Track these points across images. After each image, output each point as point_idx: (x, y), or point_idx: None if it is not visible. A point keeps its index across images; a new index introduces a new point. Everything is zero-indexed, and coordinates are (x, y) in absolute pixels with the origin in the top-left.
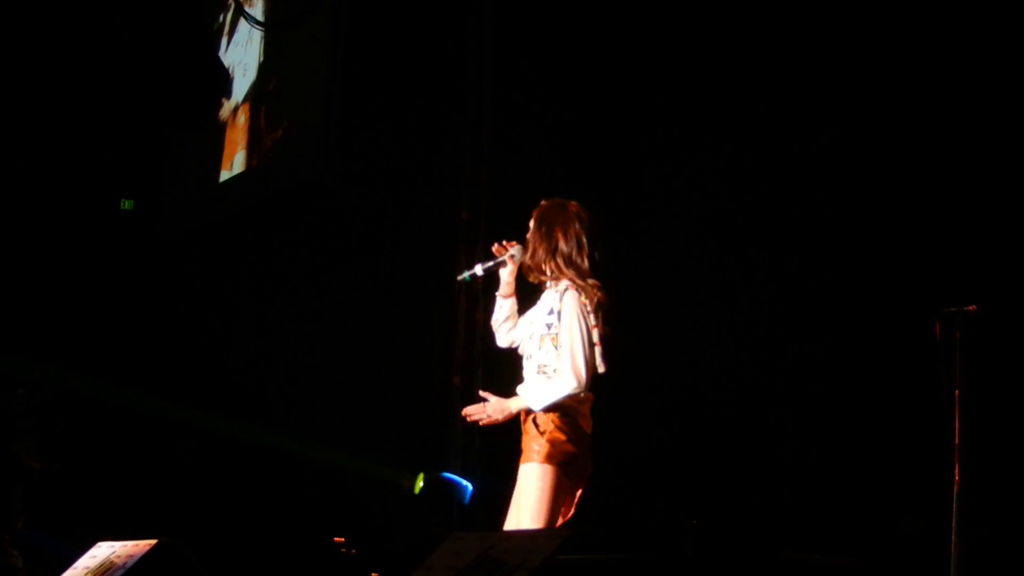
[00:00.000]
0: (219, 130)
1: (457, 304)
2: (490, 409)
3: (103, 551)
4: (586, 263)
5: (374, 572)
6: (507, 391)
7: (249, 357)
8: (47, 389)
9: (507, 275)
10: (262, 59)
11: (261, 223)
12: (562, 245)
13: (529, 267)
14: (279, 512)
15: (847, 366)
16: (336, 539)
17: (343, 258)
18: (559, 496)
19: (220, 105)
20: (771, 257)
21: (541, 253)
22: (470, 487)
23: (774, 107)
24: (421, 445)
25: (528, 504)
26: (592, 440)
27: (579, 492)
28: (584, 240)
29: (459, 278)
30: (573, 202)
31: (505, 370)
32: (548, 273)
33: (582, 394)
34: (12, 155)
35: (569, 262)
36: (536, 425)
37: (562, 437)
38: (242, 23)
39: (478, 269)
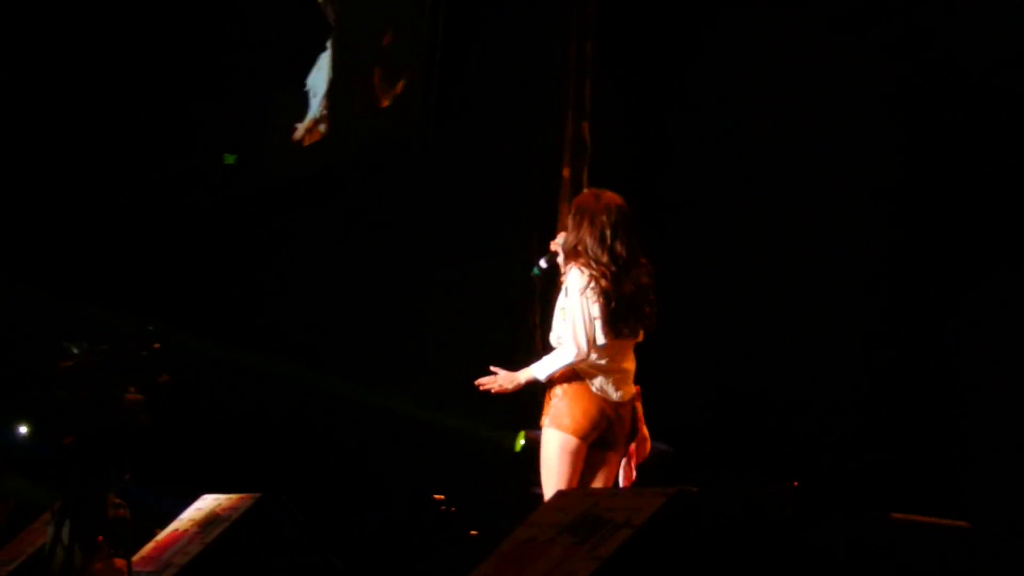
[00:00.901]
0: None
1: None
2: (500, 379)
3: (208, 503)
4: (605, 254)
5: (473, 530)
6: None
7: (352, 314)
8: (153, 343)
9: (561, 265)
10: (358, 15)
11: (358, 181)
12: (584, 235)
13: (564, 253)
14: (380, 469)
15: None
16: (436, 497)
17: (442, 218)
18: (570, 459)
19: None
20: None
21: (571, 239)
22: None
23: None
24: (522, 403)
25: (543, 465)
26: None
27: (623, 458)
28: (608, 231)
29: (532, 275)
30: (609, 192)
31: None
32: (571, 258)
33: (588, 361)
34: (117, 108)
35: (586, 249)
36: (551, 393)
37: (569, 404)
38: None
39: (542, 262)
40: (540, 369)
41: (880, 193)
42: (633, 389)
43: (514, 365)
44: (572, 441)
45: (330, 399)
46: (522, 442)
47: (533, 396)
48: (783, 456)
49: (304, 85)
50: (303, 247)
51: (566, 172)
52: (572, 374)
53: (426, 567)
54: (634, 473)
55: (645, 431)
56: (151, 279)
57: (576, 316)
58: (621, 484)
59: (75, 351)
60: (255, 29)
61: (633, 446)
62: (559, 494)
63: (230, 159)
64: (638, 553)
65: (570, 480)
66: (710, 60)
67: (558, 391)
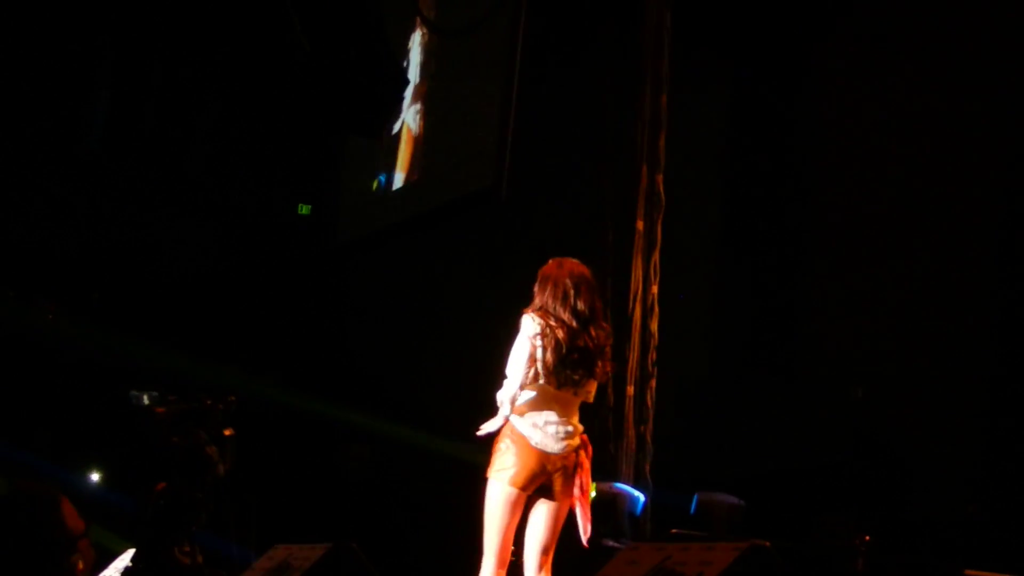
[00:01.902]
0: (392, 139)
1: (632, 316)
2: (486, 426)
3: (280, 553)
4: (567, 311)
5: None
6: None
7: (425, 364)
8: (234, 394)
9: None
10: (432, 69)
11: (435, 231)
12: (548, 296)
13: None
14: (447, 518)
15: None
16: None
17: (515, 268)
18: (508, 507)
19: (399, 112)
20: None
21: (536, 302)
22: (642, 498)
23: None
24: (593, 455)
25: (485, 512)
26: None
27: (576, 507)
28: (571, 292)
29: None
30: (572, 260)
31: (681, 384)
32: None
33: (531, 417)
34: (195, 156)
35: (549, 308)
36: (495, 446)
37: (510, 457)
38: (416, 32)
39: None
40: (503, 396)
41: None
42: (576, 442)
43: (588, 417)
44: (511, 491)
45: (403, 448)
46: (593, 494)
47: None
48: (856, 510)
49: (382, 136)
50: (378, 298)
51: (640, 224)
52: (514, 429)
53: None
54: (586, 520)
55: (587, 481)
56: (225, 328)
57: (517, 354)
58: (581, 528)
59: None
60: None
61: (581, 498)
62: (630, 547)
63: (305, 210)
64: None
65: (507, 526)
66: (784, 114)
67: (501, 445)
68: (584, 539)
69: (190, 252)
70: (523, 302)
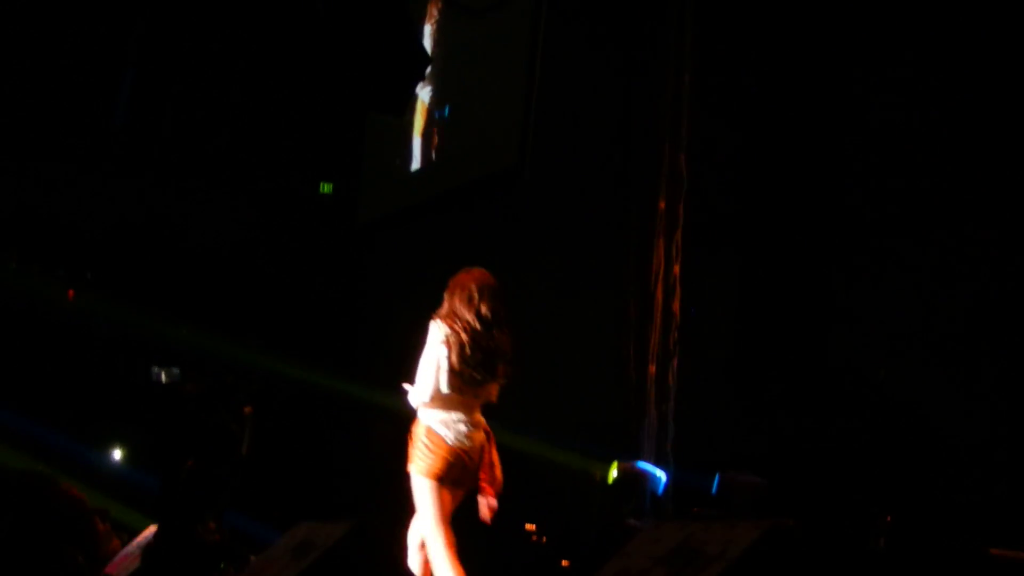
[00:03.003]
0: (419, 114)
1: (654, 294)
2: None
3: (303, 531)
4: (471, 314)
5: (565, 560)
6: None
7: None
8: (258, 375)
9: None
10: (453, 47)
11: (457, 211)
12: (455, 301)
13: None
14: (471, 498)
15: None
16: (528, 526)
17: (538, 247)
18: (434, 496)
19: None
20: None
21: (444, 307)
22: (664, 477)
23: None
24: (615, 435)
25: (416, 503)
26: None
27: (481, 496)
28: (475, 296)
29: None
30: (480, 269)
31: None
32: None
33: (442, 416)
34: (219, 134)
35: (455, 312)
36: (412, 443)
37: (428, 452)
38: (438, 10)
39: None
40: (413, 398)
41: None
42: (482, 437)
43: (609, 396)
44: (433, 483)
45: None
46: (615, 473)
47: (623, 428)
48: (878, 488)
49: (403, 114)
50: (399, 276)
51: (662, 204)
52: (430, 429)
53: None
54: (494, 503)
55: (497, 471)
56: (247, 306)
57: (426, 363)
58: (483, 515)
59: (164, 377)
60: (353, 58)
61: (487, 486)
62: (654, 525)
63: (327, 188)
64: None
65: (441, 512)
66: (807, 93)
67: (419, 444)
68: (487, 519)
69: (213, 230)
70: (545, 282)
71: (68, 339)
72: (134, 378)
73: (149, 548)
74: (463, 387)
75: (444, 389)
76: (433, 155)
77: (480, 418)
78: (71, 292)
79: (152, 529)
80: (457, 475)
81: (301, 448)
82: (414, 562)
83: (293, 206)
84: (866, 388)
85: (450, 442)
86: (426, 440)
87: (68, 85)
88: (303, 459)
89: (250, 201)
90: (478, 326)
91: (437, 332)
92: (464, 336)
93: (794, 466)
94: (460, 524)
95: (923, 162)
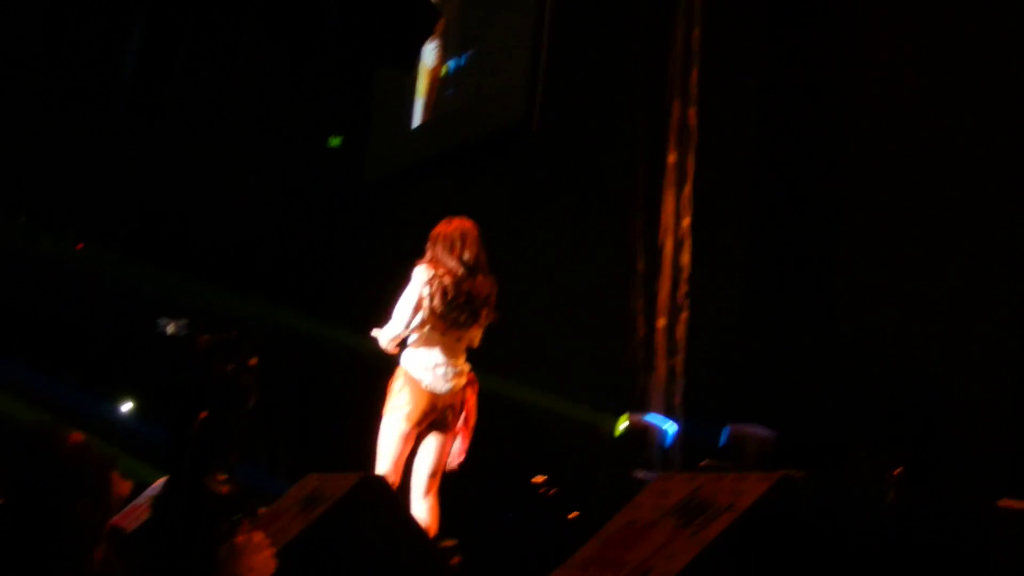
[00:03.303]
0: (423, 72)
1: (663, 248)
2: (380, 340)
3: (312, 482)
4: (453, 259)
5: (573, 512)
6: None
7: None
8: (264, 326)
9: None
10: (463, 2)
11: (465, 166)
12: (438, 249)
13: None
14: (480, 451)
15: None
16: (536, 479)
17: (547, 201)
18: (401, 441)
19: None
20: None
21: (427, 255)
22: (673, 429)
23: None
24: (624, 388)
25: (379, 444)
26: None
27: (454, 439)
28: (458, 243)
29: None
30: (459, 218)
31: (713, 316)
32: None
33: (405, 338)
34: (224, 93)
35: (437, 258)
36: (390, 386)
37: (399, 392)
38: None
39: None
40: (382, 335)
41: None
42: (463, 381)
43: (617, 350)
44: (405, 427)
45: None
46: (623, 425)
47: (635, 381)
48: (888, 441)
49: (412, 70)
50: (407, 231)
51: (672, 158)
52: (407, 373)
53: (527, 549)
54: (463, 452)
55: (472, 416)
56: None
57: (404, 300)
58: (454, 464)
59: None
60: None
61: (463, 429)
62: (663, 476)
63: (335, 141)
64: (741, 537)
65: (399, 457)
66: (816, 44)
67: (395, 385)
68: (456, 464)
69: (220, 185)
70: (553, 235)
71: (76, 292)
72: (143, 330)
73: (158, 499)
74: (446, 330)
75: (424, 332)
76: (441, 110)
77: (463, 364)
78: (80, 245)
79: (161, 481)
80: (430, 419)
81: (309, 401)
82: (418, 510)
83: (301, 161)
84: (876, 340)
85: (424, 385)
86: (401, 380)
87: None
88: (311, 411)
89: (257, 155)
90: (460, 271)
91: (420, 274)
92: (447, 280)
93: (803, 419)
94: (469, 476)
95: (938, 115)
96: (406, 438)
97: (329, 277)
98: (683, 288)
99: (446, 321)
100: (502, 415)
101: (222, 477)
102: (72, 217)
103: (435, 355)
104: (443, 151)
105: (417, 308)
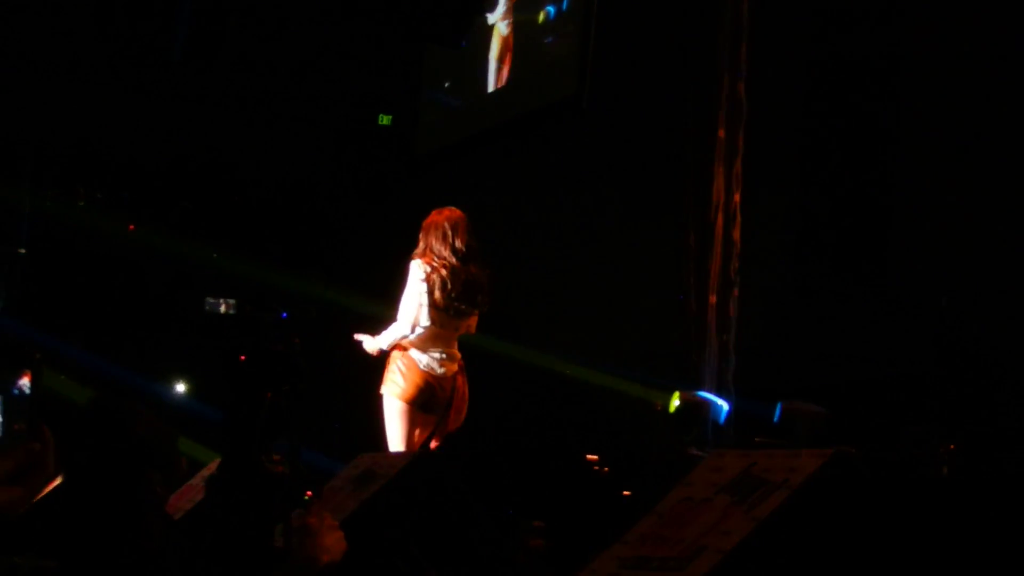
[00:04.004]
0: (475, 47)
1: (715, 223)
2: (366, 346)
3: (365, 462)
4: (447, 249)
5: (626, 491)
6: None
7: (503, 274)
8: (312, 308)
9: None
10: None
11: (516, 141)
12: (431, 239)
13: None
14: (533, 430)
15: None
16: (589, 457)
17: (598, 177)
18: (402, 419)
19: (477, 21)
20: None
21: (420, 246)
22: (726, 406)
23: None
24: (677, 365)
25: (385, 423)
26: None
27: (445, 418)
28: (449, 232)
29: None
30: (449, 208)
31: (765, 292)
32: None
33: (418, 342)
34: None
35: (431, 249)
36: (388, 367)
37: (402, 376)
38: None
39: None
40: (382, 340)
41: None
42: (455, 367)
43: (670, 327)
44: (403, 405)
45: (485, 359)
46: (676, 403)
47: (685, 358)
48: (940, 417)
49: (460, 46)
50: (461, 208)
51: (721, 133)
52: (405, 353)
53: (580, 528)
54: (440, 436)
55: (462, 403)
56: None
57: (404, 300)
58: (432, 443)
59: (223, 308)
60: None
61: (452, 413)
62: (716, 453)
63: (385, 120)
64: (795, 513)
65: (407, 434)
66: (865, 15)
67: (393, 366)
68: (432, 445)
69: (271, 162)
70: (604, 212)
71: (131, 273)
72: (196, 310)
73: (212, 479)
74: (445, 320)
75: (425, 322)
76: (492, 85)
77: (456, 351)
78: (131, 226)
79: (216, 462)
80: (426, 400)
81: (359, 381)
82: None
83: (352, 138)
84: (929, 314)
85: (422, 367)
86: (399, 364)
87: (126, 18)
88: (362, 391)
89: (308, 134)
90: (455, 260)
91: (417, 271)
92: (444, 271)
93: (856, 395)
94: (524, 455)
95: (988, 86)
96: (407, 415)
97: (379, 255)
98: (734, 264)
99: (447, 312)
100: (554, 392)
101: (276, 457)
102: (123, 192)
103: (433, 342)
104: (494, 127)
105: (419, 304)
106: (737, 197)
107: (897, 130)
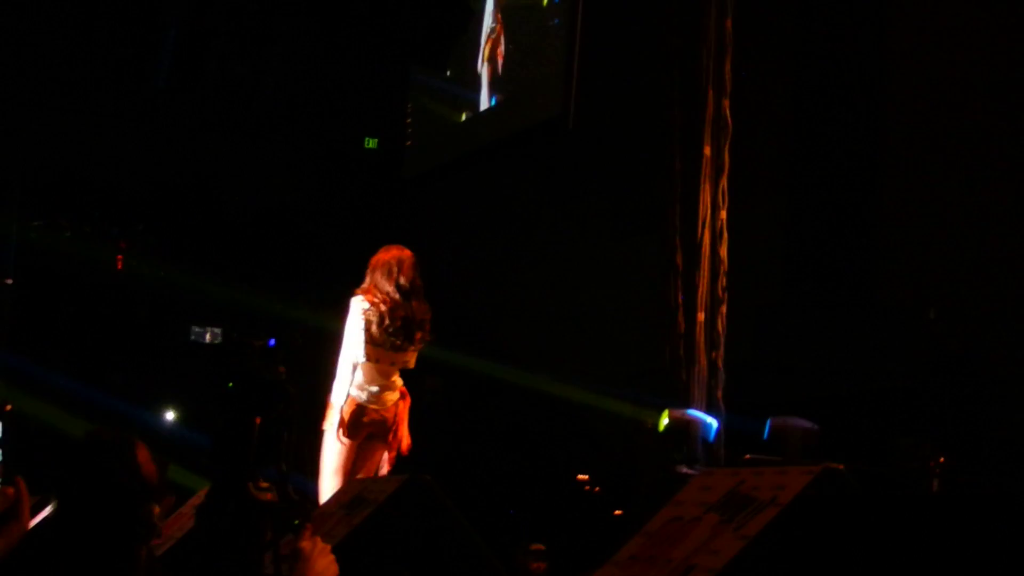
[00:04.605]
0: (461, 69)
1: (701, 240)
2: (330, 427)
3: (355, 487)
4: (390, 285)
5: (618, 510)
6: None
7: (491, 295)
8: (298, 334)
9: None
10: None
11: (502, 162)
12: (376, 275)
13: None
14: (524, 450)
15: None
16: (580, 477)
17: (585, 196)
18: (344, 453)
19: (460, 43)
20: None
21: (366, 282)
22: (715, 424)
23: None
24: (665, 382)
25: (322, 457)
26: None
27: (386, 451)
28: (394, 269)
29: None
30: (397, 247)
31: (753, 309)
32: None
33: (359, 380)
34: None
35: (376, 285)
36: (328, 402)
37: (332, 406)
38: None
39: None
40: (336, 401)
41: None
42: (395, 396)
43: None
44: (344, 440)
45: (475, 379)
46: (666, 422)
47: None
48: (932, 432)
49: (446, 67)
50: (447, 229)
51: (707, 150)
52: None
53: (572, 547)
54: (390, 462)
55: (404, 432)
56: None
57: (349, 338)
58: (383, 471)
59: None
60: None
61: (393, 442)
62: (705, 472)
63: (371, 143)
64: (784, 531)
65: (342, 468)
66: (848, 32)
67: (333, 401)
68: (384, 471)
69: (258, 187)
70: (591, 230)
71: (118, 303)
72: (184, 338)
73: (202, 507)
74: (382, 355)
75: (361, 358)
76: (479, 106)
77: (397, 380)
78: (120, 257)
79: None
80: (367, 431)
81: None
82: None
83: (338, 162)
84: (918, 329)
85: (361, 401)
86: (339, 398)
87: (110, 47)
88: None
89: (294, 158)
90: (397, 296)
91: (356, 306)
92: (383, 307)
93: (847, 411)
94: (513, 476)
95: (971, 101)
96: (347, 453)
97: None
98: (722, 281)
99: (384, 346)
100: (544, 413)
101: (265, 484)
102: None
103: (372, 377)
104: (481, 147)
105: (362, 337)
106: (724, 214)
107: (882, 145)
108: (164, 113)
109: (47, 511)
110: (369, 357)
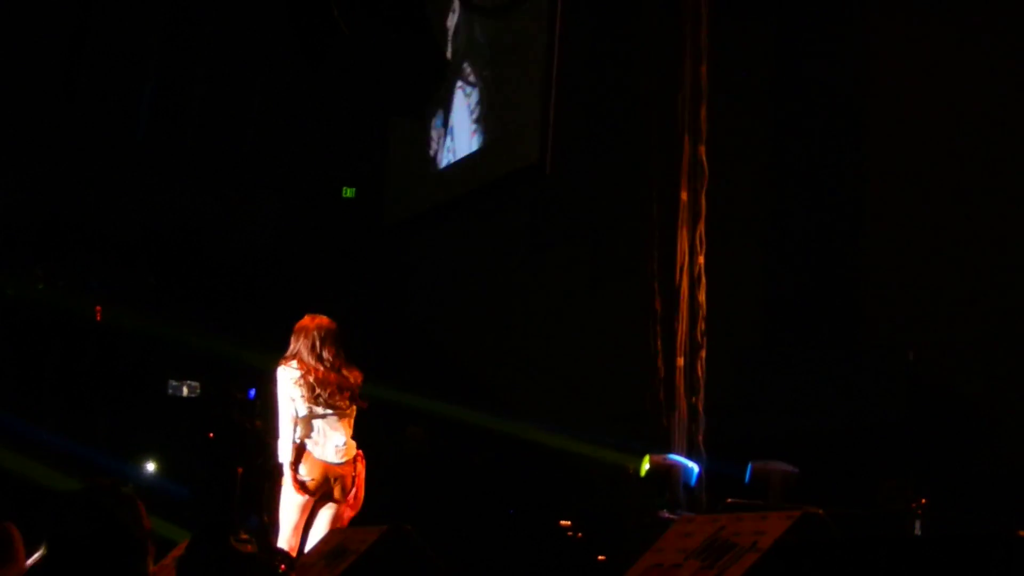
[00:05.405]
0: (437, 118)
1: (679, 286)
2: (287, 482)
3: (335, 537)
4: (313, 357)
5: (601, 555)
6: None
7: (471, 341)
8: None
9: None
10: (472, 47)
11: (480, 209)
12: (300, 346)
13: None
14: (505, 496)
15: None
16: (562, 523)
17: (563, 242)
18: (300, 509)
19: (439, 92)
20: None
21: (290, 351)
22: (696, 469)
23: None
24: (646, 428)
25: (280, 513)
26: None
27: (334, 505)
28: (318, 342)
29: None
30: (322, 316)
31: (732, 353)
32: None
33: (312, 437)
34: (237, 144)
35: (300, 356)
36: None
37: (301, 469)
38: (455, 11)
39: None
40: (283, 459)
41: None
42: (351, 454)
43: (634, 390)
44: (301, 498)
45: (455, 427)
46: (647, 467)
47: (654, 421)
48: (913, 473)
49: (423, 116)
50: (427, 277)
51: (684, 195)
52: (302, 447)
53: None
54: (347, 518)
55: (360, 489)
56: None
57: (282, 407)
58: (335, 525)
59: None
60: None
61: (350, 499)
62: (685, 518)
63: (349, 192)
64: None
65: (298, 525)
66: (825, 76)
67: (281, 459)
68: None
69: (240, 234)
70: (570, 276)
71: (98, 355)
72: (164, 389)
73: (182, 559)
74: (324, 410)
75: (307, 419)
76: (457, 154)
77: (349, 438)
78: (99, 309)
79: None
80: (326, 490)
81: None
82: None
83: (316, 212)
84: (900, 372)
85: (316, 456)
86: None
87: (90, 99)
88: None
89: (273, 208)
90: (322, 368)
91: (284, 376)
92: (310, 377)
93: (828, 453)
94: (497, 522)
95: (954, 146)
96: (303, 508)
97: (350, 325)
98: (701, 326)
99: (319, 403)
100: (526, 458)
101: (245, 536)
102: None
103: (325, 433)
104: (459, 194)
105: (293, 408)
106: (701, 259)
107: (860, 188)
108: (143, 164)
109: (34, 558)
110: (316, 416)
